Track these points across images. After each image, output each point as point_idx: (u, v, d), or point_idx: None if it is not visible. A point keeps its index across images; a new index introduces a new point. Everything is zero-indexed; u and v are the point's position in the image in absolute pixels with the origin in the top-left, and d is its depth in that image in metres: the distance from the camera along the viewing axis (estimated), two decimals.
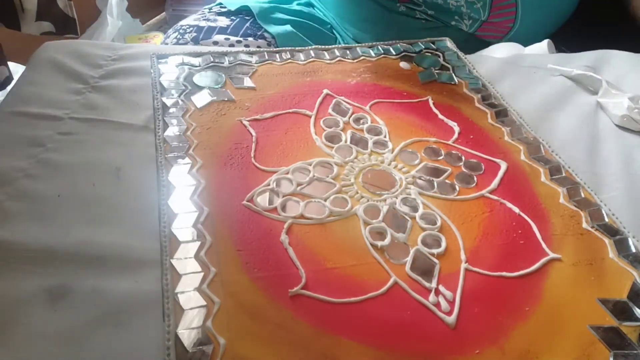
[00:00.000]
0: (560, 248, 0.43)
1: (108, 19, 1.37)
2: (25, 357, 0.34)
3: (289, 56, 0.64)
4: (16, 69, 0.86)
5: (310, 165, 0.49)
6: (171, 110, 0.54)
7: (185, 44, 0.83)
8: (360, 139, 0.53)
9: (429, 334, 0.37)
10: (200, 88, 0.57)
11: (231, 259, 0.40)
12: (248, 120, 0.54)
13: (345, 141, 0.53)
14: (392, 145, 0.52)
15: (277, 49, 0.66)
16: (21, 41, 0.88)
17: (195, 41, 0.83)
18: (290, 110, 0.56)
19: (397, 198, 0.47)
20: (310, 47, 0.66)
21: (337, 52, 0.65)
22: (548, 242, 0.44)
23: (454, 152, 0.52)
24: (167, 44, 0.89)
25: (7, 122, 0.52)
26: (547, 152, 0.53)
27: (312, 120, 0.55)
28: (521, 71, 0.67)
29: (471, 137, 0.54)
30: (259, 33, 0.85)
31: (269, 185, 0.46)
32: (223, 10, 0.91)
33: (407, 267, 0.41)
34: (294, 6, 0.93)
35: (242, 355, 0.34)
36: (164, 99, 0.55)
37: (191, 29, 0.86)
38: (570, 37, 0.83)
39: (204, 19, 0.88)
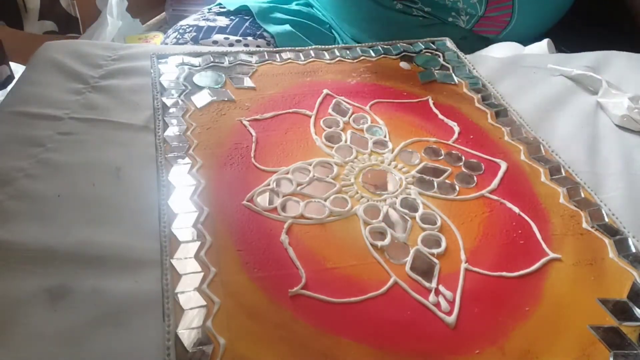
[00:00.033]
0: (560, 248, 0.43)
1: (108, 19, 1.37)
2: (25, 357, 0.34)
3: (289, 56, 0.64)
4: (16, 69, 0.86)
5: (310, 165, 0.49)
6: (171, 110, 0.54)
7: (185, 43, 0.83)
8: (360, 139, 0.53)
9: (429, 334, 0.37)
10: (200, 88, 0.57)
11: (231, 259, 0.40)
12: (248, 120, 0.54)
13: (345, 141, 0.53)
14: (392, 145, 0.52)
15: (277, 48, 0.66)
16: (22, 41, 0.88)
17: (195, 41, 0.83)
18: (290, 110, 0.56)
19: (397, 198, 0.47)
20: (310, 47, 0.66)
21: (337, 52, 0.65)
22: (548, 242, 0.44)
23: (454, 152, 0.52)
24: (167, 44, 0.89)
25: (7, 122, 0.52)
26: (547, 152, 0.53)
27: (312, 120, 0.55)
28: (521, 71, 0.67)
29: (471, 137, 0.54)
30: (258, 32, 0.85)
31: (269, 185, 0.46)
32: (222, 10, 0.92)
33: (407, 267, 0.41)
34: (293, 6, 0.93)
35: (242, 355, 0.34)
36: (164, 99, 0.55)
37: (191, 28, 0.86)
38: (570, 37, 0.83)
39: (204, 19, 0.88)
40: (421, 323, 0.37)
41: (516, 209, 0.46)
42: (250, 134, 0.52)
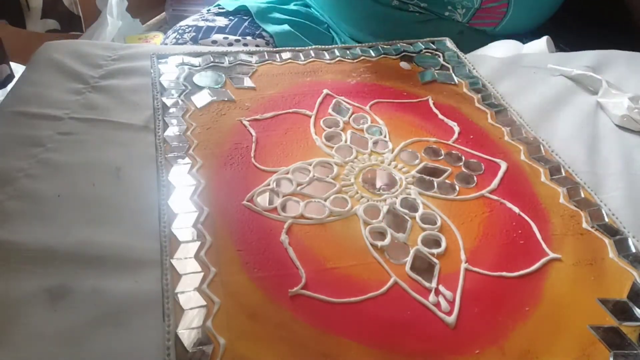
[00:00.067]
0: (560, 248, 0.43)
1: (108, 19, 1.37)
2: (25, 357, 0.34)
3: (289, 56, 0.64)
4: (16, 69, 0.86)
5: (310, 165, 0.49)
6: (171, 110, 0.54)
7: (184, 43, 0.84)
8: (360, 139, 0.53)
9: (429, 334, 0.37)
10: (200, 88, 0.57)
11: (231, 259, 0.40)
12: (248, 120, 0.54)
13: (345, 141, 0.53)
14: (392, 145, 0.52)
15: (277, 48, 0.66)
16: (22, 41, 0.88)
17: (195, 41, 0.84)
18: (290, 110, 0.56)
19: (397, 198, 0.47)
20: (310, 47, 0.66)
21: (337, 52, 0.65)
22: (548, 242, 0.44)
23: (454, 152, 0.52)
24: (166, 44, 0.89)
25: (7, 122, 0.52)
26: (547, 152, 0.53)
27: (312, 120, 0.55)
28: (521, 71, 0.67)
29: (471, 137, 0.54)
30: (257, 32, 0.85)
31: (269, 185, 0.46)
32: (221, 11, 0.92)
33: (407, 267, 0.41)
34: (291, 6, 0.94)
35: (242, 355, 0.34)
36: (164, 99, 0.55)
37: (190, 29, 0.86)
38: (569, 35, 0.83)
39: (203, 19, 0.89)
40: (421, 323, 0.37)
41: (516, 209, 0.46)
42: (250, 134, 0.52)
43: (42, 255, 0.39)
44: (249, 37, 0.84)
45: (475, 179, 0.49)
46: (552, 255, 0.42)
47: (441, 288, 0.39)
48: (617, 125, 0.59)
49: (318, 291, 0.38)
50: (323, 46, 0.66)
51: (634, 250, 0.43)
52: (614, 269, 0.42)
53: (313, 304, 0.38)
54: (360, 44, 0.68)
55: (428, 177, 0.49)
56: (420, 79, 0.63)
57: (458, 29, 0.84)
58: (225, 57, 0.63)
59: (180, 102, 0.55)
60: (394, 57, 0.66)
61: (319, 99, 0.57)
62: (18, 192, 0.44)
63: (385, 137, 0.54)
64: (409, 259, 0.41)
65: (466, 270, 0.41)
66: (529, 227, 0.45)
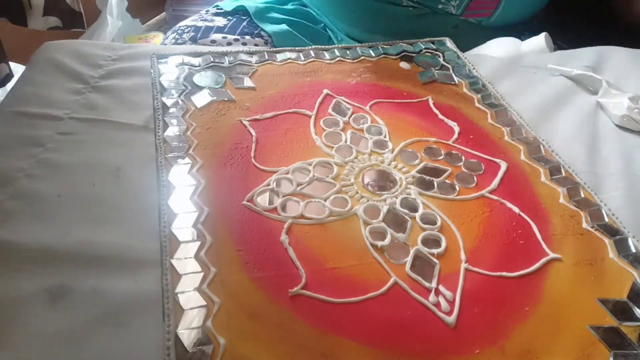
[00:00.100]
0: (560, 248, 0.43)
1: (108, 19, 1.37)
2: (25, 357, 0.34)
3: (289, 56, 0.64)
4: (16, 69, 0.86)
5: (310, 165, 0.49)
6: (171, 110, 0.54)
7: (183, 43, 0.84)
8: (360, 138, 0.53)
9: (429, 334, 0.37)
10: (200, 88, 0.57)
11: (231, 259, 0.40)
12: (248, 120, 0.54)
13: (345, 141, 0.53)
14: (392, 145, 0.52)
15: (277, 48, 0.66)
16: (22, 41, 0.88)
17: (194, 40, 0.84)
18: (290, 110, 0.56)
19: (397, 198, 0.47)
20: (310, 47, 0.66)
21: (337, 52, 0.65)
22: (548, 242, 0.44)
23: (454, 152, 0.52)
24: (165, 44, 0.89)
25: (7, 122, 0.52)
26: (547, 152, 0.53)
27: (312, 120, 0.55)
28: (521, 71, 0.67)
29: (471, 137, 0.54)
30: (255, 32, 0.86)
31: (269, 185, 0.46)
32: (219, 11, 0.93)
33: (407, 267, 0.41)
34: (289, 6, 0.94)
35: (242, 355, 0.34)
36: (164, 99, 0.55)
37: (189, 29, 0.87)
38: (566, 32, 0.83)
39: (202, 20, 0.90)
40: (421, 323, 0.37)
41: (516, 209, 0.46)
42: (250, 134, 0.52)
43: (42, 255, 0.39)
44: (247, 37, 0.85)
45: (475, 179, 0.49)
46: (552, 255, 0.42)
47: (441, 288, 0.39)
48: (617, 125, 0.59)
49: (318, 291, 0.38)
50: (323, 46, 0.66)
51: (634, 250, 0.43)
52: (614, 269, 0.42)
53: (313, 304, 0.38)
54: (360, 44, 0.68)
55: (428, 177, 0.49)
56: (420, 79, 0.63)
57: (452, 22, 0.84)
58: (225, 57, 0.63)
59: (180, 102, 0.55)
60: (394, 57, 0.66)
61: (319, 99, 0.57)
62: (18, 192, 0.44)
63: (385, 137, 0.54)
64: (409, 259, 0.41)
65: (466, 270, 0.41)
66: (529, 227, 0.45)
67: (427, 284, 0.39)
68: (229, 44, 0.83)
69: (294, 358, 0.34)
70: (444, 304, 0.38)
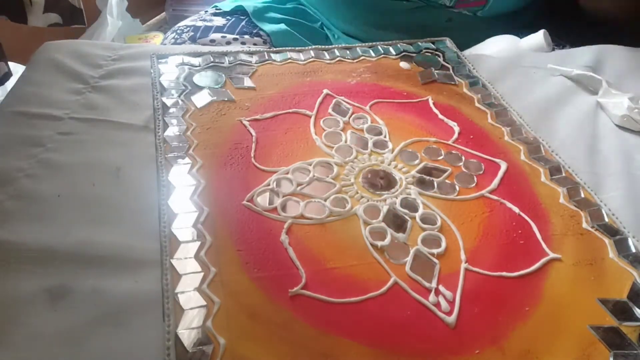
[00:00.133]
0: (560, 248, 0.43)
1: (108, 19, 1.37)
2: (25, 357, 0.34)
3: (289, 56, 0.64)
4: (16, 69, 0.86)
5: (310, 165, 0.49)
6: (171, 110, 0.54)
7: (183, 43, 0.84)
8: (360, 138, 0.53)
9: (429, 334, 0.37)
10: (200, 88, 0.57)
11: (231, 259, 0.40)
12: (248, 120, 0.54)
13: (345, 141, 0.53)
14: (392, 145, 0.52)
15: (277, 48, 0.66)
16: (21, 41, 0.88)
17: (193, 40, 0.84)
18: (290, 110, 0.56)
19: (397, 198, 0.47)
20: (310, 47, 0.66)
21: (337, 52, 0.65)
22: (548, 242, 0.44)
23: (454, 152, 0.52)
24: (165, 44, 0.89)
25: (7, 122, 0.52)
26: (547, 152, 0.53)
27: (312, 120, 0.55)
28: (521, 71, 0.67)
29: (471, 137, 0.54)
30: (254, 31, 0.86)
31: (269, 185, 0.46)
32: (218, 11, 0.93)
33: (407, 267, 0.41)
34: (287, 5, 0.94)
35: (242, 355, 0.34)
36: (164, 99, 0.55)
37: (188, 29, 0.87)
38: (565, 30, 0.83)
39: (201, 20, 0.90)
40: (421, 323, 0.37)
41: (516, 209, 0.46)
42: (250, 134, 0.52)
43: (42, 255, 0.39)
44: (246, 36, 0.85)
45: (475, 179, 0.49)
46: (552, 255, 0.42)
47: (441, 288, 0.39)
48: (617, 125, 0.59)
49: (318, 291, 0.38)
50: (323, 46, 0.66)
51: (634, 250, 0.43)
52: (614, 269, 0.42)
53: (313, 304, 0.38)
54: (360, 44, 0.68)
55: (428, 177, 0.49)
56: (420, 79, 0.63)
57: (446, 15, 0.84)
58: (225, 57, 0.63)
59: (180, 102, 0.55)
60: (394, 57, 0.66)
61: (319, 99, 0.57)
62: (18, 192, 0.44)
63: (385, 137, 0.54)
64: (409, 259, 0.41)
65: (466, 270, 0.41)
66: (529, 227, 0.45)
67: (427, 284, 0.39)
68: (228, 43, 0.84)
69: (294, 358, 0.34)
70: (444, 304, 0.38)
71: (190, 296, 0.37)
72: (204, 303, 0.36)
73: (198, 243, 0.41)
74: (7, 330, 0.35)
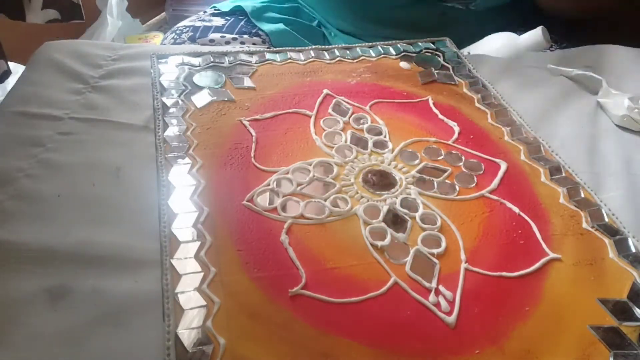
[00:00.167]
0: (560, 248, 0.43)
1: (108, 19, 1.37)
2: (25, 357, 0.34)
3: (289, 56, 0.64)
4: (16, 69, 0.86)
5: (310, 165, 0.49)
6: (171, 110, 0.54)
7: (182, 43, 0.84)
8: (360, 138, 0.53)
9: (429, 334, 0.37)
10: (200, 88, 0.57)
11: (231, 259, 0.40)
12: (248, 120, 0.54)
13: (345, 141, 0.53)
14: (392, 145, 0.52)
15: (277, 48, 0.66)
16: (21, 41, 0.88)
17: (192, 40, 0.85)
18: (290, 110, 0.56)
19: (397, 198, 0.47)
20: (310, 47, 0.66)
21: (337, 52, 0.65)
22: (548, 242, 0.44)
23: (454, 152, 0.52)
24: (164, 45, 0.89)
25: (7, 122, 0.52)
26: (547, 152, 0.53)
27: (312, 120, 0.55)
28: (521, 71, 0.67)
29: (471, 137, 0.54)
30: (253, 31, 0.87)
31: (269, 185, 0.46)
32: (217, 12, 0.94)
33: (407, 267, 0.41)
34: (285, 5, 0.95)
35: (242, 355, 0.34)
36: (164, 99, 0.55)
37: (187, 29, 0.87)
38: (559, 25, 0.84)
39: (200, 20, 0.90)
40: (421, 323, 0.37)
41: (516, 209, 0.46)
42: (250, 134, 0.52)
43: (42, 255, 0.39)
44: (245, 36, 0.85)
45: (475, 179, 0.49)
46: (552, 255, 0.42)
47: (441, 288, 0.39)
48: (617, 125, 0.59)
49: (318, 291, 0.38)
50: (323, 46, 0.66)
51: (634, 250, 0.43)
52: (614, 269, 0.42)
53: (313, 304, 0.38)
54: (360, 44, 0.68)
55: (428, 177, 0.49)
56: (420, 79, 0.63)
57: (439, 9, 0.84)
58: (225, 57, 0.63)
59: (180, 102, 0.55)
60: (394, 57, 0.66)
61: (319, 99, 0.57)
62: (18, 192, 0.44)
63: (385, 137, 0.54)
64: (409, 259, 0.41)
65: (466, 270, 0.41)
66: (529, 227, 0.45)
67: (427, 284, 0.39)
68: (227, 43, 0.84)
69: (294, 358, 0.34)
70: (444, 304, 0.38)
71: (190, 296, 0.37)
72: (204, 303, 0.36)
73: (198, 243, 0.41)
74: (7, 330, 0.35)
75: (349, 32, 0.89)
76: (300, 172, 0.48)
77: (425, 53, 0.68)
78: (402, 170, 0.50)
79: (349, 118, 0.56)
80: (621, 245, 0.43)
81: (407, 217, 0.45)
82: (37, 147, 0.49)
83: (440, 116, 0.57)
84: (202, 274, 0.38)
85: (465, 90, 0.62)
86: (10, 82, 0.83)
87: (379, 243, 0.42)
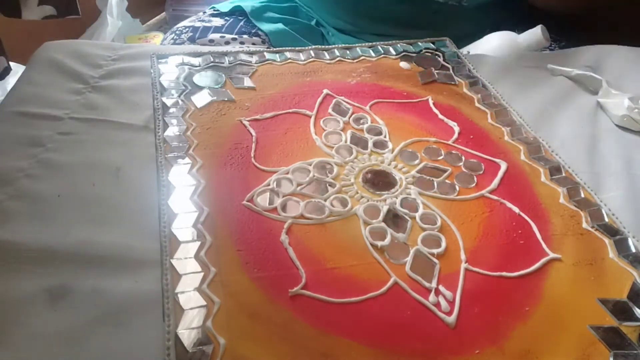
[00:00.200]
0: (560, 248, 0.43)
1: (108, 19, 1.37)
2: (25, 357, 0.34)
3: (289, 56, 0.64)
4: (16, 69, 0.86)
5: (310, 165, 0.49)
6: (171, 110, 0.54)
7: (182, 44, 0.84)
8: (360, 138, 0.53)
9: (429, 334, 0.37)
10: (200, 88, 0.57)
11: (231, 259, 0.40)
12: (248, 120, 0.54)
13: (345, 141, 0.53)
14: (392, 145, 0.52)
15: (277, 48, 0.66)
16: (21, 41, 0.88)
17: (192, 40, 0.84)
18: (290, 110, 0.56)
19: (397, 198, 0.47)
20: (310, 47, 0.66)
21: (337, 52, 0.65)
22: (548, 242, 0.44)
23: (454, 152, 0.52)
24: (164, 45, 0.89)
25: (7, 122, 0.52)
26: (547, 152, 0.53)
27: (312, 120, 0.55)
28: (521, 71, 0.67)
29: (471, 137, 0.54)
30: (252, 31, 0.87)
31: (269, 185, 0.46)
32: (216, 12, 0.94)
33: (407, 267, 0.41)
34: (284, 4, 0.95)
35: (242, 355, 0.34)
36: (164, 99, 0.55)
37: (187, 29, 0.87)
38: (562, 27, 0.84)
39: (199, 21, 0.90)
40: (421, 323, 0.37)
41: (516, 209, 0.46)
42: (250, 134, 0.52)
43: (42, 255, 0.39)
44: (245, 36, 0.85)
45: (475, 179, 0.49)
46: (552, 255, 0.42)
47: (441, 288, 0.39)
48: (617, 125, 0.59)
49: (318, 291, 0.38)
50: (323, 46, 0.66)
51: (634, 250, 0.43)
52: (614, 269, 0.42)
53: (313, 304, 0.38)
54: (360, 44, 0.68)
55: (428, 177, 0.49)
56: (420, 79, 0.63)
57: (432, 8, 0.84)
58: (225, 57, 0.63)
59: (180, 102, 0.55)
60: (394, 57, 0.66)
61: (319, 99, 0.57)
62: (18, 192, 0.44)
63: (385, 137, 0.54)
64: (409, 259, 0.41)
65: (466, 270, 0.41)
66: (529, 227, 0.45)
67: (427, 284, 0.39)
68: (227, 43, 0.84)
69: (294, 358, 0.34)
70: (444, 304, 0.38)
71: (190, 296, 0.37)
72: (204, 303, 0.36)
73: (198, 243, 0.41)
74: (7, 330, 0.35)
75: (344, 29, 0.89)
76: (300, 172, 0.48)
77: (425, 53, 0.68)
78: (402, 170, 0.50)
79: (349, 118, 0.56)
80: (621, 245, 0.43)
81: (407, 217, 0.45)
82: (37, 147, 0.49)
83: (440, 116, 0.57)
84: (202, 274, 0.38)
85: (465, 90, 0.62)
86: (11, 82, 0.83)
87: (379, 243, 0.42)
